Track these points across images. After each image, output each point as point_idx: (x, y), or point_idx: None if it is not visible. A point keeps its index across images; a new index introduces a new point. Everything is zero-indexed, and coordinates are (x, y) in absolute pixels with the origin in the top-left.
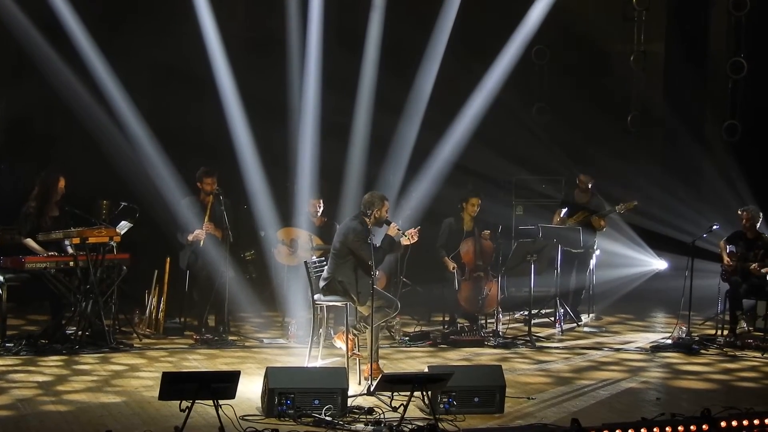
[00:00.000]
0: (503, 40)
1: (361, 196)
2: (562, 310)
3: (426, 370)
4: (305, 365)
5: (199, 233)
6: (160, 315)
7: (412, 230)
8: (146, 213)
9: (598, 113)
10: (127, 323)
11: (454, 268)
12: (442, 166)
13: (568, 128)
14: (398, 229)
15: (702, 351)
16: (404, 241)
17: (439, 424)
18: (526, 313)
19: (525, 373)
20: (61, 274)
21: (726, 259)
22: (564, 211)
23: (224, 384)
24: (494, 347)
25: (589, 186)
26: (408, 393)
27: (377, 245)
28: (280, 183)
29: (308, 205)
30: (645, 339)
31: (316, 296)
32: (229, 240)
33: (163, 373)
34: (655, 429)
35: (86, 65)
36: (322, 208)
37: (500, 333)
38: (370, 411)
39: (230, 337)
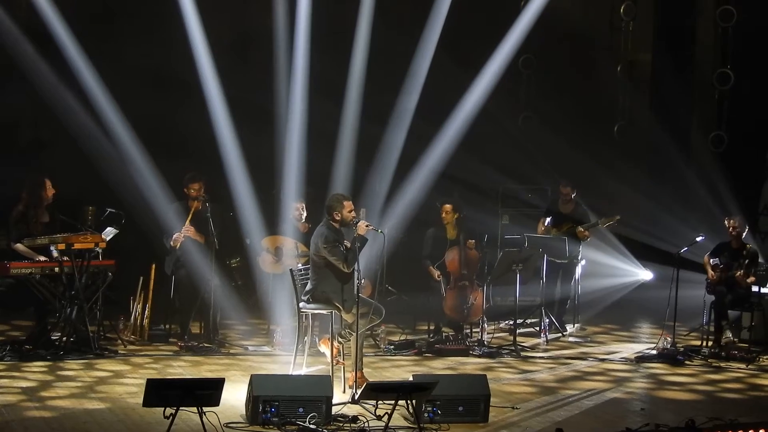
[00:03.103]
0: (490, 48)
1: None
2: (547, 320)
3: (411, 378)
4: (290, 373)
5: (177, 236)
6: (145, 322)
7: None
8: (132, 219)
9: (585, 123)
10: (111, 329)
11: (439, 276)
12: (428, 175)
13: (554, 138)
14: (367, 226)
15: (687, 362)
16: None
17: None
18: (512, 322)
19: (510, 382)
20: (46, 279)
21: (711, 273)
22: (548, 219)
23: (209, 391)
24: (479, 356)
25: (572, 196)
26: (392, 402)
27: (348, 247)
28: (267, 189)
29: (291, 209)
30: (630, 349)
31: (301, 304)
32: (215, 247)
33: (148, 379)
34: None
35: (73, 70)
36: (305, 213)
37: (485, 342)
38: (354, 419)
39: (222, 344)
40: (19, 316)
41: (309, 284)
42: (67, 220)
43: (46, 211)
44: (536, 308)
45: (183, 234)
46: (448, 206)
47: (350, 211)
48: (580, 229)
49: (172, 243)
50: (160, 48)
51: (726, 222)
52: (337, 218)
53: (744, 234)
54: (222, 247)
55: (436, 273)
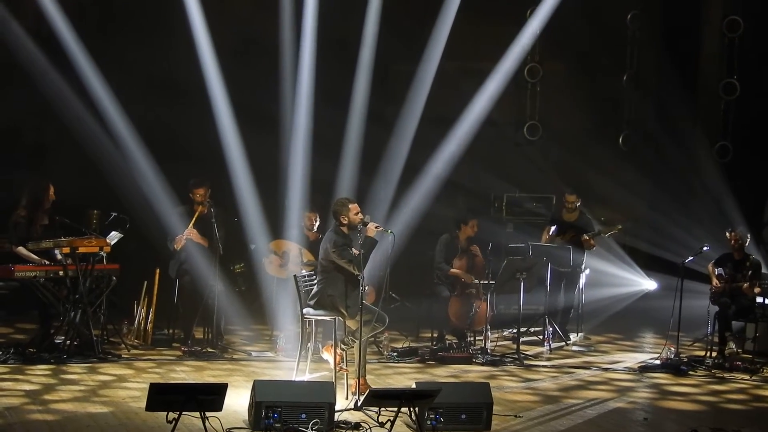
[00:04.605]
0: (496, 57)
1: None
2: (550, 329)
3: (414, 386)
4: (293, 379)
5: (179, 238)
6: (149, 326)
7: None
8: (136, 224)
9: (590, 132)
10: (115, 334)
11: (465, 277)
12: (433, 183)
13: (559, 147)
14: (377, 227)
15: (690, 372)
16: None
17: None
18: (515, 330)
19: (512, 390)
20: (51, 283)
21: (715, 281)
22: (553, 228)
23: (211, 396)
24: (482, 364)
25: (577, 205)
26: (395, 409)
27: (357, 252)
28: (271, 195)
29: (304, 218)
30: (633, 359)
31: (304, 310)
32: (219, 252)
33: (151, 384)
34: None
35: (78, 74)
36: (318, 223)
37: (488, 350)
38: (357, 426)
39: (225, 349)
40: (23, 319)
41: (315, 287)
42: (67, 223)
43: (45, 214)
44: (540, 317)
45: (185, 236)
46: (476, 221)
47: (357, 214)
48: (585, 237)
49: (175, 245)
50: (165, 53)
51: (727, 234)
52: (345, 222)
53: (746, 245)
54: (226, 253)
55: (462, 273)
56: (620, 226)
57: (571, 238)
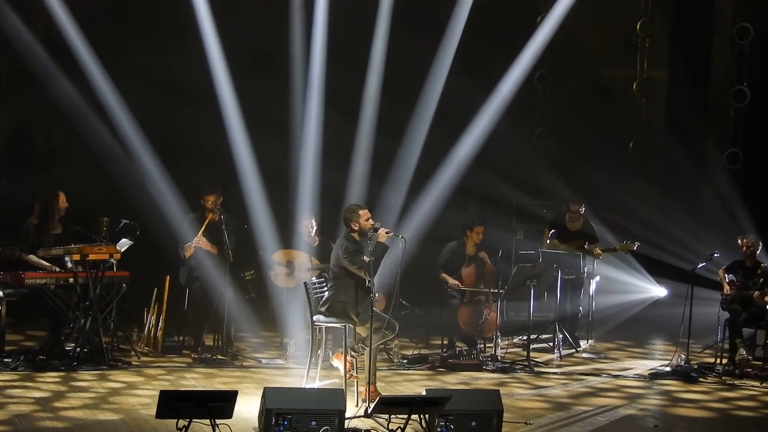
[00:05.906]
0: (506, 64)
1: None
2: (560, 336)
3: (424, 393)
4: (303, 386)
5: (188, 245)
6: (159, 333)
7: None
8: (146, 231)
9: (600, 139)
10: (125, 341)
11: (456, 285)
12: (443, 189)
13: (569, 154)
14: (387, 232)
15: (700, 379)
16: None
17: None
18: (525, 337)
19: (523, 398)
20: (61, 290)
21: (726, 288)
22: (552, 232)
23: (221, 403)
24: (492, 371)
25: (581, 212)
26: (405, 416)
27: (368, 259)
28: (281, 202)
29: (302, 225)
30: (643, 366)
31: (314, 317)
32: (229, 259)
33: (161, 391)
34: None
35: (89, 80)
36: (315, 228)
37: (499, 357)
38: None
39: (235, 356)
40: (33, 326)
41: (326, 293)
42: (81, 231)
43: (58, 222)
44: (550, 324)
45: (194, 244)
46: (482, 227)
47: (367, 219)
48: (598, 251)
49: (184, 253)
50: (176, 59)
51: (739, 241)
52: (356, 228)
53: (758, 252)
54: (236, 259)
55: (452, 280)
56: (637, 243)
57: (578, 247)
